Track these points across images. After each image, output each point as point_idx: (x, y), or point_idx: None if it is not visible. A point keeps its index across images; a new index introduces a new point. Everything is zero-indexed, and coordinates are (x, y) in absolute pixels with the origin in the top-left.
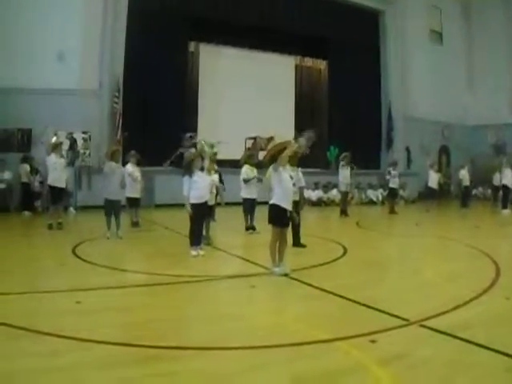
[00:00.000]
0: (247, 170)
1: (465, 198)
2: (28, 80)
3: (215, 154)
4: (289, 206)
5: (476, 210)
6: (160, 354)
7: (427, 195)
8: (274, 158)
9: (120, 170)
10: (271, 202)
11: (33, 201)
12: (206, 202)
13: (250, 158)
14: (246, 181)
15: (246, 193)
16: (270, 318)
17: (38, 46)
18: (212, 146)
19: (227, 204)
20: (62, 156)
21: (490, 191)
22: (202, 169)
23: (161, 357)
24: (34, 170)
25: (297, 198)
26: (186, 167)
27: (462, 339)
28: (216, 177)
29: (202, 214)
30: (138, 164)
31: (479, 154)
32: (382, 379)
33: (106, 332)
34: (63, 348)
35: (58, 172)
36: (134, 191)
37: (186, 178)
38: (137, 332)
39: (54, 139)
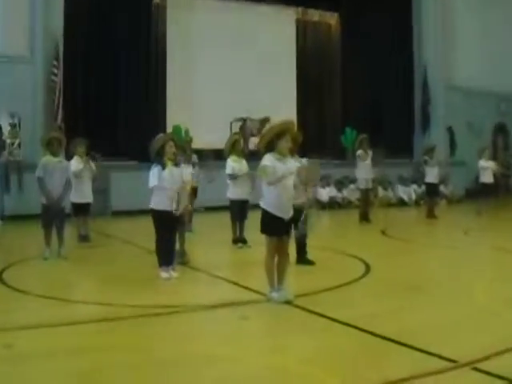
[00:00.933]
0: (232, 163)
1: None
2: None
3: (190, 140)
4: (287, 214)
5: None
6: None
7: (478, 192)
8: (270, 145)
9: (61, 165)
10: (262, 205)
11: None
12: (176, 210)
13: (235, 145)
14: (233, 177)
15: (234, 193)
16: (267, 360)
17: None
18: (186, 132)
19: (209, 209)
20: None
21: None
22: (175, 163)
23: None
24: None
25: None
26: (155, 155)
27: None
28: (189, 171)
29: (171, 224)
30: (91, 157)
31: None
32: None
33: None
34: None
35: None
36: (81, 195)
37: (156, 169)
38: None
39: None
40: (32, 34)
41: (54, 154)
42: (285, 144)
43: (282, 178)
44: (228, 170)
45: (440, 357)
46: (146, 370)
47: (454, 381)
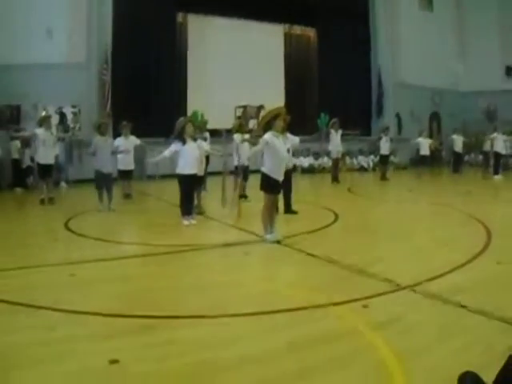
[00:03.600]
0: (238, 136)
1: (456, 163)
2: (15, 56)
3: (205, 122)
4: (281, 177)
5: (468, 176)
6: (155, 324)
7: (418, 161)
8: (268, 125)
9: (108, 142)
10: (263, 170)
11: (24, 177)
12: (195, 173)
13: (241, 126)
14: (242, 142)
15: (238, 160)
16: (264, 285)
17: (25, 20)
18: (202, 116)
19: (218, 173)
20: (50, 130)
21: (481, 157)
22: (194, 139)
23: (156, 326)
24: (25, 145)
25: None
26: (177, 133)
27: (453, 303)
28: (205, 144)
29: (191, 185)
30: (132, 134)
31: (471, 120)
32: (374, 343)
33: (101, 304)
34: (58, 321)
35: (46, 148)
36: (125, 164)
37: (176, 143)
38: (131, 303)
39: (43, 113)
40: (88, 45)
41: (103, 134)
42: (279, 123)
43: (276, 150)
44: (236, 140)
45: (389, 281)
46: (176, 292)
47: (397, 299)
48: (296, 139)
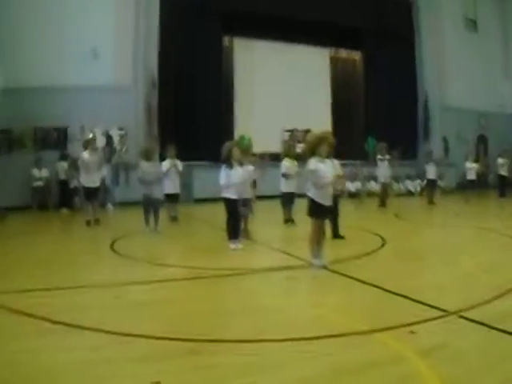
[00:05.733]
0: (286, 164)
1: (502, 187)
2: (63, 78)
3: (249, 146)
4: (328, 202)
5: None
6: (200, 348)
7: (466, 186)
8: (313, 150)
9: (154, 167)
10: (309, 195)
11: (71, 198)
12: (242, 198)
13: (290, 149)
14: (287, 176)
15: (286, 187)
16: (309, 310)
17: (72, 44)
18: (249, 139)
19: (265, 197)
20: (95, 152)
21: None
22: (240, 163)
23: (201, 350)
24: (73, 167)
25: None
26: (224, 158)
27: (499, 330)
28: (252, 168)
29: (238, 209)
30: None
31: None
32: (421, 370)
33: (145, 326)
34: (103, 342)
35: (90, 172)
36: (172, 187)
37: (225, 169)
38: (176, 325)
39: (90, 136)
40: (135, 68)
41: (149, 160)
42: (324, 148)
43: (325, 185)
44: (283, 170)
45: (436, 308)
46: (220, 316)
47: (444, 326)
48: (339, 170)
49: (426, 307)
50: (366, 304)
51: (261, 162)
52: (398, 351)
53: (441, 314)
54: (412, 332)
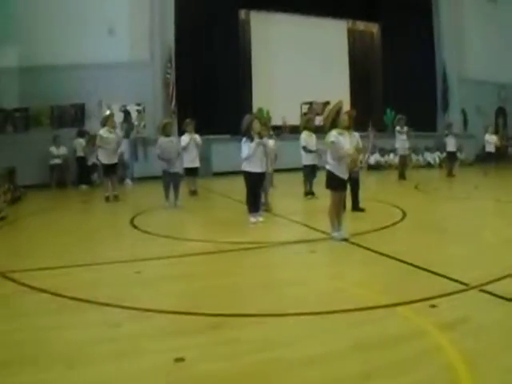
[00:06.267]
0: (306, 137)
1: None
2: (79, 55)
3: (269, 119)
4: (346, 175)
5: None
6: (221, 322)
7: (484, 158)
8: (334, 122)
9: (173, 142)
10: (328, 167)
11: (89, 174)
12: (263, 171)
13: (308, 122)
14: (306, 149)
15: (307, 159)
16: (330, 284)
17: (88, 21)
18: (267, 113)
19: (285, 170)
20: (113, 129)
21: None
22: (260, 136)
23: (222, 324)
24: (91, 143)
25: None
26: (245, 131)
27: None
28: (272, 142)
29: (258, 182)
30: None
31: None
32: (442, 344)
33: (167, 301)
34: (124, 318)
35: (108, 149)
36: (191, 161)
37: (245, 141)
38: (197, 300)
39: (107, 112)
40: (151, 44)
41: (167, 135)
42: (344, 117)
43: (343, 157)
44: (302, 143)
45: (457, 281)
46: (242, 290)
47: (466, 300)
48: (360, 144)
49: (447, 281)
50: (387, 277)
51: (276, 135)
52: (419, 325)
53: (462, 287)
54: (433, 306)
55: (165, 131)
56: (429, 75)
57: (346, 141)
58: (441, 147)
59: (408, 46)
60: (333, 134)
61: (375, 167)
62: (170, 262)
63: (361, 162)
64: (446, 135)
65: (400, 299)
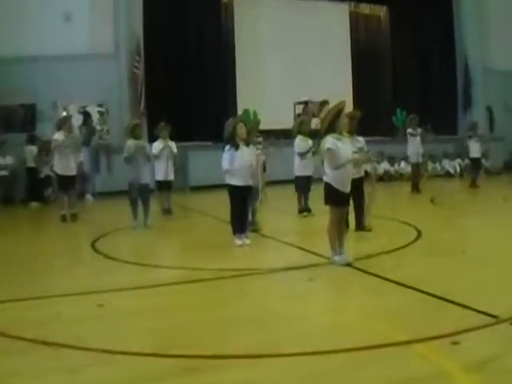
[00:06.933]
0: (300, 142)
1: None
2: (29, 46)
3: (258, 123)
4: (348, 188)
5: None
6: (199, 365)
7: None
8: (332, 126)
9: (144, 147)
10: (326, 180)
11: (41, 189)
12: (249, 185)
13: (302, 125)
14: (302, 155)
15: (300, 169)
16: (331, 317)
17: (40, 7)
18: (255, 114)
19: (276, 183)
20: (71, 134)
21: None
22: (247, 143)
23: (200, 368)
24: (44, 151)
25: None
26: (228, 137)
27: None
28: (260, 151)
29: (245, 197)
30: (171, 138)
31: None
32: None
33: (135, 340)
34: (84, 362)
35: (65, 157)
36: (164, 173)
37: (228, 149)
38: (170, 339)
39: (63, 114)
40: (116, 32)
41: (137, 138)
42: (344, 121)
43: (343, 165)
44: (296, 149)
45: (484, 313)
46: (224, 326)
47: (495, 335)
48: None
49: (472, 312)
50: (399, 309)
51: (267, 142)
52: (439, 366)
53: (490, 320)
54: (456, 343)
55: (133, 134)
56: (447, 67)
57: (345, 147)
58: (462, 153)
59: (422, 33)
60: (329, 140)
61: (384, 178)
62: (139, 293)
63: (367, 174)
64: (469, 138)
65: (415, 335)
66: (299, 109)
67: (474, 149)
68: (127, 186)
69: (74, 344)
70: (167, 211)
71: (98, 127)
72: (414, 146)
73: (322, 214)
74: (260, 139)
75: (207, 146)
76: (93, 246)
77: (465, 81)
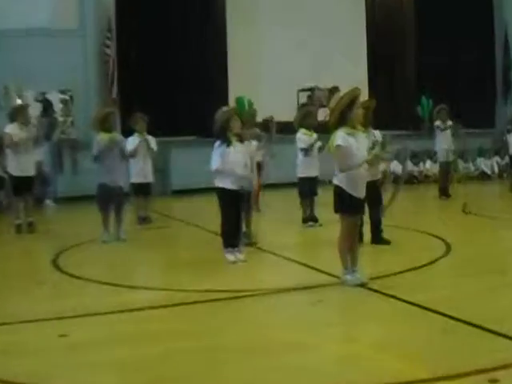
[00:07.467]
0: (304, 137)
1: None
2: None
3: (254, 114)
4: (362, 193)
5: None
6: None
7: None
8: (343, 118)
9: (118, 143)
10: (336, 182)
11: None
12: (242, 188)
13: (306, 117)
14: (306, 151)
15: (303, 169)
16: (342, 348)
17: None
18: (250, 103)
19: (276, 186)
20: (26, 125)
21: None
22: (240, 139)
23: None
24: None
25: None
26: (219, 131)
27: None
28: (255, 146)
29: (238, 203)
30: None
31: None
32: None
33: (104, 377)
34: None
35: (20, 155)
36: (141, 174)
37: (219, 146)
38: (145, 377)
39: (18, 102)
40: (81, 5)
41: (109, 131)
42: (357, 112)
43: (356, 167)
44: (300, 144)
45: None
46: (216, 359)
47: None
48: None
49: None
50: (424, 339)
51: (266, 135)
52: None
53: None
54: (494, 381)
55: (104, 125)
56: (484, 46)
57: (359, 144)
58: (501, 149)
59: (453, 5)
60: (340, 135)
61: (406, 180)
62: (110, 319)
63: (385, 176)
64: (509, 132)
65: (444, 371)
66: (304, 97)
67: None
68: (96, 189)
69: (28, 382)
70: (145, 220)
71: (61, 118)
72: (444, 142)
73: (331, 224)
74: (262, 132)
75: (192, 141)
76: (54, 262)
77: (504, 63)
